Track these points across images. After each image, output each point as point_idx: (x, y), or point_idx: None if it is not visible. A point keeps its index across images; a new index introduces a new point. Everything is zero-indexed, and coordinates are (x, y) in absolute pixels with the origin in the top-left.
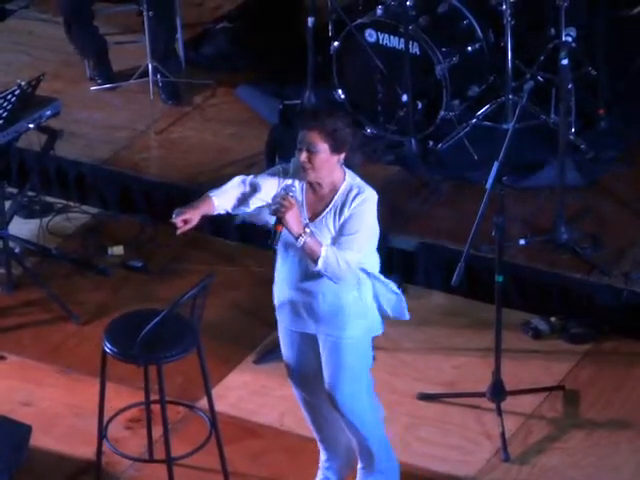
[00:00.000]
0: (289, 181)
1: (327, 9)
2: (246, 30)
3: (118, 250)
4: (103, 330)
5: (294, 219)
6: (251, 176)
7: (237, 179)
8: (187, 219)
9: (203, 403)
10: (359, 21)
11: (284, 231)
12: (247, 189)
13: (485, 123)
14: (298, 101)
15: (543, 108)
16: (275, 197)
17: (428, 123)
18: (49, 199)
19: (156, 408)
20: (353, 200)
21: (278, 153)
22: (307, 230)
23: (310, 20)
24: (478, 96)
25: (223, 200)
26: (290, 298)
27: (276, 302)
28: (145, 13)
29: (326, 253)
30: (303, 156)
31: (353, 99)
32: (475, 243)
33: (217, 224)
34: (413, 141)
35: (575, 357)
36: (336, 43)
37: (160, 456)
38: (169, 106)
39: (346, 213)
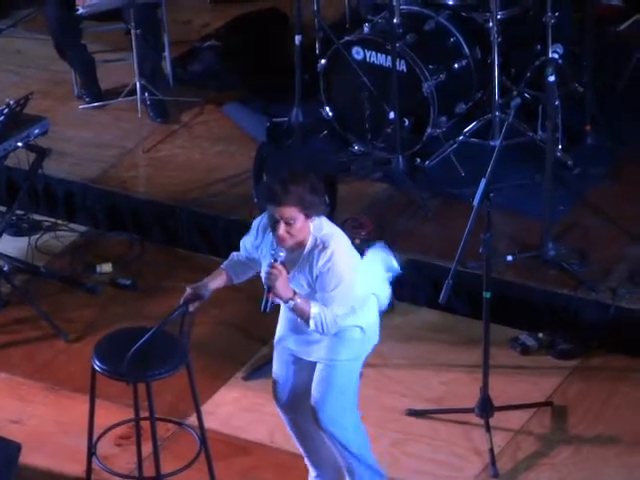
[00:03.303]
0: (270, 237)
1: (314, 27)
2: (234, 48)
3: (107, 268)
4: (92, 348)
5: (283, 286)
6: (237, 253)
7: (231, 256)
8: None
9: (193, 420)
10: (346, 39)
11: None
12: (242, 256)
13: (472, 140)
14: (286, 118)
15: (530, 125)
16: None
17: (415, 140)
18: (37, 217)
19: (146, 425)
20: (319, 259)
21: (265, 170)
22: (296, 294)
23: (297, 38)
24: (465, 113)
25: (233, 270)
26: (289, 340)
27: (277, 334)
28: (133, 31)
29: (316, 312)
30: (282, 230)
31: (340, 116)
32: (463, 260)
33: (206, 241)
34: (400, 158)
35: (563, 373)
36: (323, 61)
37: (150, 473)
38: (157, 124)
39: (315, 272)
